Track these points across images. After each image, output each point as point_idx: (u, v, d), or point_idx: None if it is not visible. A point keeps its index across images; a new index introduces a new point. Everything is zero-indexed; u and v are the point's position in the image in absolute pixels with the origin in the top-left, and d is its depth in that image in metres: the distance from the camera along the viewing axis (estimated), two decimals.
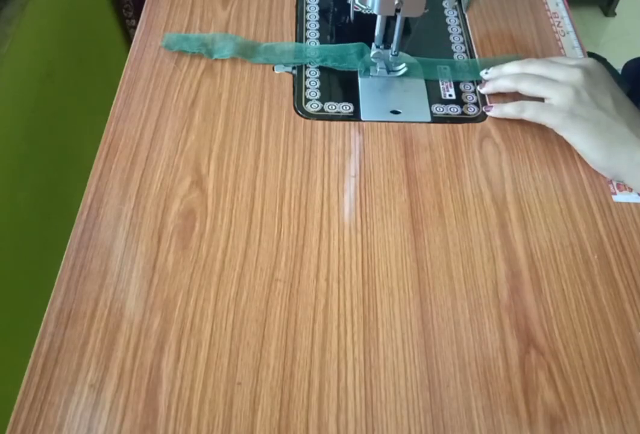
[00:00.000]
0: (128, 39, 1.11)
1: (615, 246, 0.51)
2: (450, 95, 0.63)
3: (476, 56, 0.67)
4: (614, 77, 0.65)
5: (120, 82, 0.62)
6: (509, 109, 0.57)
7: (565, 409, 0.43)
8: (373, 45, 0.62)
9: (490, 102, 0.60)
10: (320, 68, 0.65)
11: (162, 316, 0.46)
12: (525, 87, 0.55)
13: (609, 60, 0.89)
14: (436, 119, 0.60)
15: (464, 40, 0.69)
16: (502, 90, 0.58)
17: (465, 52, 0.68)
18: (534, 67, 0.56)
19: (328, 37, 0.69)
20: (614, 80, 0.54)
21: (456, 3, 0.73)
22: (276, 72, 0.64)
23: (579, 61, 0.55)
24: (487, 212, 0.53)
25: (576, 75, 0.53)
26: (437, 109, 0.61)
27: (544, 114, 0.53)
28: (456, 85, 0.64)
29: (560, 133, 0.54)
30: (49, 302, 0.46)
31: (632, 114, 0.53)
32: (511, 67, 0.59)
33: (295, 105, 0.61)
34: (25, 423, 0.41)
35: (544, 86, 0.54)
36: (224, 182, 0.54)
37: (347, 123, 0.60)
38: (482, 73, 0.62)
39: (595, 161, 0.53)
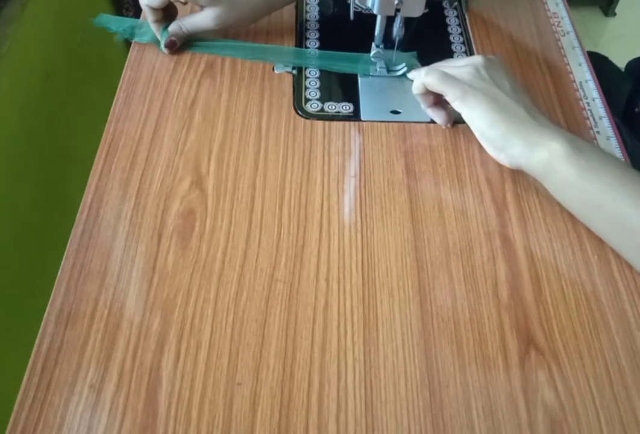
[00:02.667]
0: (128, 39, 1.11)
1: None
2: None
3: None
4: (617, 74, 0.66)
5: (120, 82, 0.62)
6: (414, 73, 0.58)
7: (565, 409, 0.43)
8: (373, 45, 0.62)
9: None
10: (321, 68, 0.65)
11: (162, 316, 0.46)
12: (429, 80, 0.55)
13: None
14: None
15: (464, 40, 0.69)
16: (419, 88, 0.56)
17: (465, 52, 0.68)
18: (437, 64, 0.58)
19: (328, 37, 0.69)
20: (510, 72, 0.56)
21: (456, 3, 0.73)
22: (276, 72, 0.64)
23: (480, 54, 0.57)
24: (487, 212, 0.53)
25: (477, 58, 0.55)
26: None
27: (446, 82, 0.53)
28: None
29: (459, 109, 0.53)
30: (49, 303, 0.46)
31: (528, 101, 0.53)
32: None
33: (295, 105, 0.61)
34: (25, 423, 0.41)
35: (447, 69, 0.55)
36: (224, 182, 0.54)
37: (347, 123, 0.60)
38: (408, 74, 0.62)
39: (493, 140, 0.52)
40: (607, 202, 0.47)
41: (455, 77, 0.53)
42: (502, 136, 0.51)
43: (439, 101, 0.58)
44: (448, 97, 0.53)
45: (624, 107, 0.83)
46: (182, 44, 0.65)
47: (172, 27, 0.63)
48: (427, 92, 0.56)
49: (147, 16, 0.63)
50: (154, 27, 0.64)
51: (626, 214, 0.47)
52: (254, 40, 0.67)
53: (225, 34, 0.66)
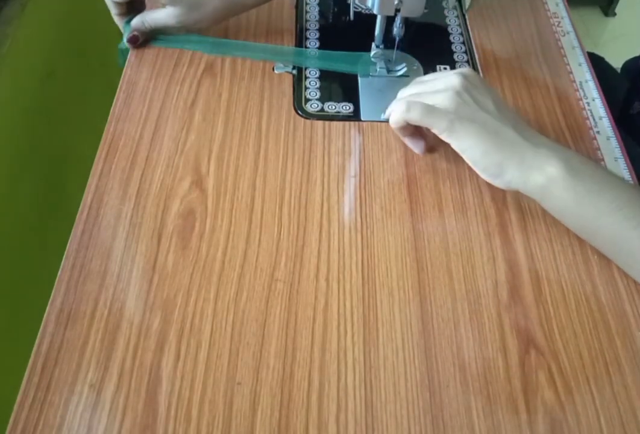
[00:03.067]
0: None
1: None
2: None
3: (476, 56, 0.67)
4: (613, 76, 0.65)
5: (120, 82, 0.62)
6: (394, 111, 0.52)
7: (565, 409, 0.43)
8: (373, 45, 0.62)
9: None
10: (321, 68, 0.65)
11: (162, 316, 0.46)
12: (412, 115, 0.51)
13: (608, 60, 0.90)
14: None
15: (464, 40, 0.69)
16: (400, 123, 0.52)
17: (465, 52, 0.68)
18: (410, 89, 0.54)
19: (328, 37, 0.69)
20: (489, 87, 0.52)
21: (456, 3, 0.73)
22: (276, 72, 0.64)
23: (456, 70, 0.53)
24: (487, 212, 0.53)
25: (454, 80, 0.50)
26: None
27: (431, 116, 0.50)
28: None
29: (448, 140, 0.50)
30: (49, 302, 0.46)
31: (514, 117, 0.51)
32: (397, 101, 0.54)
33: (295, 105, 0.61)
34: (25, 423, 0.41)
35: (426, 97, 0.51)
36: (224, 182, 0.54)
37: (347, 123, 0.60)
38: (382, 116, 0.58)
39: (488, 168, 0.49)
40: (604, 226, 0.47)
41: (437, 107, 0.50)
42: (496, 163, 0.48)
43: (416, 131, 0.55)
44: (435, 131, 0.50)
45: (620, 108, 0.83)
46: (147, 38, 0.65)
47: (135, 21, 0.63)
48: (407, 125, 0.53)
49: (110, 9, 0.63)
50: (117, 21, 0.64)
51: (625, 237, 0.46)
52: (255, 40, 0.67)
53: (189, 30, 0.65)
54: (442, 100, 0.50)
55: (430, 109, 0.50)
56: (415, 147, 0.56)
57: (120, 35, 0.65)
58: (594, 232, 0.48)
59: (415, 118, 0.50)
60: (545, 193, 0.48)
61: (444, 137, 0.50)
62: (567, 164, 0.46)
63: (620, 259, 0.49)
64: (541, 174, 0.47)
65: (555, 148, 0.48)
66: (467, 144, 0.49)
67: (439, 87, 0.51)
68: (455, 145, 0.50)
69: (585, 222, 0.48)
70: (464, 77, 0.51)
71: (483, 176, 0.50)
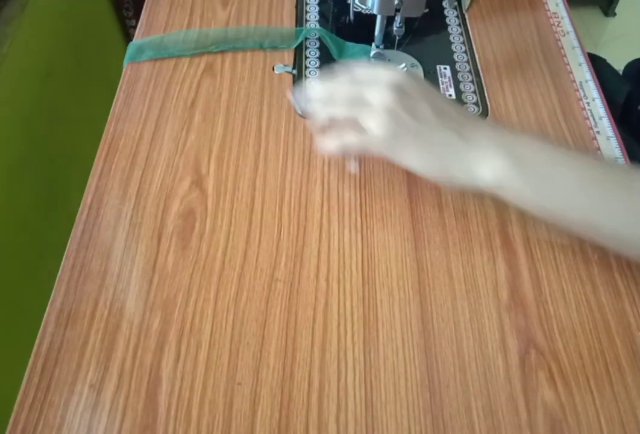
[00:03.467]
0: (128, 39, 1.11)
1: None
2: (450, 95, 0.63)
3: (476, 56, 0.67)
4: (614, 77, 0.65)
5: (120, 82, 0.62)
6: (331, 146, 0.51)
7: (565, 409, 0.43)
8: (373, 45, 0.62)
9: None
10: (321, 68, 0.65)
11: (162, 316, 0.46)
12: (339, 114, 0.49)
13: (608, 60, 0.89)
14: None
15: (464, 40, 0.69)
16: (338, 153, 0.52)
17: (465, 52, 0.68)
18: (343, 90, 0.49)
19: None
20: (430, 87, 0.49)
21: (456, 3, 0.73)
22: (276, 72, 0.64)
23: (387, 76, 0.47)
24: (487, 212, 0.53)
25: (388, 96, 0.46)
26: None
27: (369, 147, 0.48)
28: (456, 85, 0.64)
29: (390, 158, 0.49)
30: (49, 303, 0.46)
31: (455, 116, 0.48)
32: (319, 91, 0.51)
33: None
34: (25, 423, 0.41)
35: (357, 113, 0.47)
36: (224, 182, 0.54)
37: None
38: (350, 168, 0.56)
39: (437, 177, 0.48)
40: (571, 210, 0.46)
41: (372, 138, 0.47)
42: (441, 169, 0.47)
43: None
44: (374, 153, 0.50)
45: (620, 110, 0.83)
46: None
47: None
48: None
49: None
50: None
51: (594, 216, 0.45)
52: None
53: None
54: (376, 123, 0.46)
55: (366, 143, 0.48)
56: (353, 168, 0.56)
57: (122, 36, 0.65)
58: (560, 219, 0.47)
59: (351, 148, 0.50)
60: (500, 187, 0.46)
61: (385, 156, 0.49)
62: (512, 154, 0.45)
63: (600, 238, 0.48)
64: (489, 169, 0.46)
65: (496, 139, 0.46)
66: (408, 160, 0.48)
67: (371, 100, 0.47)
68: (397, 161, 0.49)
69: (550, 211, 0.47)
70: (399, 89, 0.47)
71: (437, 182, 0.50)
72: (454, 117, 0.48)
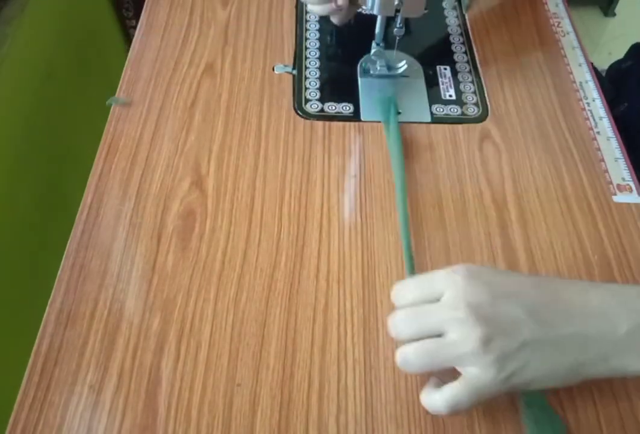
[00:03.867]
0: (128, 39, 1.11)
1: (615, 246, 0.51)
2: (450, 95, 0.63)
3: (476, 56, 0.67)
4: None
5: (120, 82, 0.62)
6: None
7: (565, 409, 0.43)
8: (373, 43, 0.62)
9: None
10: (320, 68, 0.65)
11: (162, 317, 0.46)
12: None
13: (609, 60, 0.90)
14: (436, 120, 0.60)
15: (464, 41, 0.69)
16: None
17: (465, 52, 0.68)
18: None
19: (328, 37, 0.69)
20: (500, 276, 0.40)
21: (456, 3, 0.73)
22: (276, 72, 0.64)
23: (449, 287, 0.38)
24: (487, 212, 0.53)
25: (461, 314, 0.36)
26: (437, 109, 0.61)
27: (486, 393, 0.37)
28: (456, 85, 0.64)
29: (514, 389, 0.38)
30: (49, 303, 0.46)
31: (549, 297, 0.38)
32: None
33: (295, 106, 0.61)
34: (25, 423, 0.41)
35: (452, 361, 0.37)
36: (224, 183, 0.54)
37: (347, 123, 0.60)
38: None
39: (569, 383, 0.39)
40: None
41: (478, 379, 0.36)
42: (583, 377, 0.38)
43: None
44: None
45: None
46: None
47: None
48: None
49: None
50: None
51: None
52: (254, 40, 0.67)
53: None
54: (471, 362, 0.36)
55: (475, 391, 0.37)
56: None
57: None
58: None
59: (456, 412, 0.39)
60: None
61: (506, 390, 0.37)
62: None
63: None
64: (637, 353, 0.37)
65: (621, 303, 0.38)
66: (537, 385, 0.38)
67: (449, 333, 0.37)
68: (521, 388, 0.38)
69: None
70: (467, 302, 0.36)
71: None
72: (559, 305, 0.38)
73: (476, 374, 0.36)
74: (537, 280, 0.40)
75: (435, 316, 0.37)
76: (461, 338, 0.36)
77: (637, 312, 0.37)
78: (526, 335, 0.36)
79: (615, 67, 0.89)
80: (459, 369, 0.37)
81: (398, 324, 0.39)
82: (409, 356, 0.38)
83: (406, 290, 0.40)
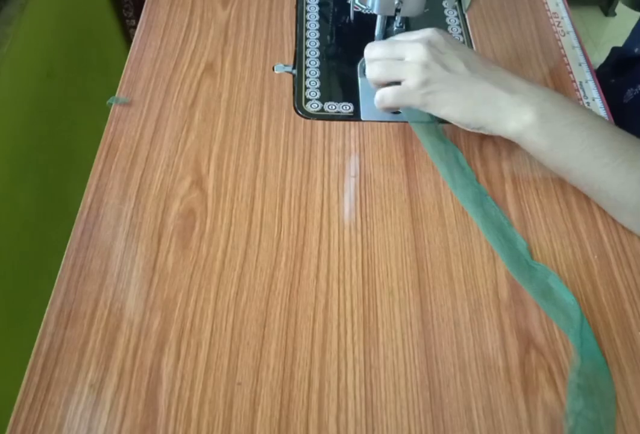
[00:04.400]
0: (128, 39, 1.11)
1: (615, 246, 0.51)
2: None
3: None
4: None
5: (120, 82, 0.62)
6: (376, 103, 0.56)
7: (565, 410, 0.43)
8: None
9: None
10: (320, 68, 0.65)
11: (162, 316, 0.46)
12: (376, 77, 0.54)
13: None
14: (436, 119, 0.60)
15: (464, 41, 0.69)
16: (382, 109, 0.56)
17: None
18: (377, 51, 0.54)
19: (328, 37, 0.69)
20: (461, 43, 0.54)
21: (456, 3, 0.73)
22: (276, 72, 0.64)
23: (419, 34, 0.53)
24: None
25: (420, 50, 0.51)
26: None
27: (404, 97, 0.53)
28: None
29: (427, 111, 0.53)
30: (49, 302, 0.46)
31: (486, 69, 0.52)
32: (365, 55, 0.56)
33: (295, 105, 0.61)
34: (25, 423, 0.41)
35: (394, 70, 0.53)
36: (224, 182, 0.54)
37: (347, 123, 0.60)
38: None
39: (469, 124, 0.52)
40: (576, 166, 0.50)
41: (407, 87, 0.52)
42: (475, 119, 0.51)
43: None
44: (414, 107, 0.53)
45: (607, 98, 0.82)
46: None
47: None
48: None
49: None
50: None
51: (596, 176, 0.49)
52: (254, 40, 0.67)
53: None
54: (410, 75, 0.51)
55: (401, 92, 0.53)
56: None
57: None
58: (567, 172, 0.51)
59: (392, 104, 0.54)
60: (521, 138, 0.50)
61: (422, 109, 0.53)
62: (540, 110, 0.49)
63: (595, 197, 0.52)
64: (516, 122, 0.49)
65: (529, 93, 0.50)
66: (444, 111, 0.52)
67: (405, 56, 0.52)
68: (434, 113, 0.53)
69: (559, 164, 0.51)
70: (430, 44, 0.52)
71: (467, 129, 0.53)
72: (485, 68, 0.52)
73: (405, 84, 0.52)
74: (483, 58, 0.54)
75: (402, 45, 0.52)
76: (411, 58, 0.52)
77: (529, 91, 0.50)
78: (453, 72, 0.51)
79: (619, 52, 0.88)
80: (399, 78, 0.52)
81: (375, 47, 0.54)
82: (374, 67, 0.53)
83: (379, 46, 0.54)
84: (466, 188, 0.54)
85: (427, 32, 0.53)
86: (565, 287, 0.48)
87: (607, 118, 0.61)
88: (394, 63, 0.53)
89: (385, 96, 0.54)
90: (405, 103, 0.53)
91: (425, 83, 0.51)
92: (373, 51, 0.55)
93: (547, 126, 0.49)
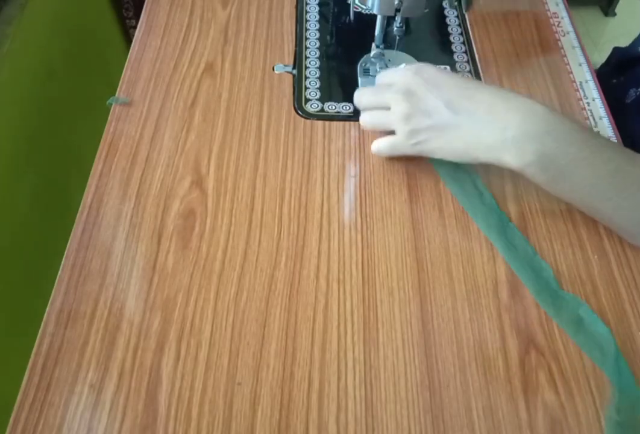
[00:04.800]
0: (128, 39, 1.11)
1: (615, 246, 0.51)
2: None
3: (476, 56, 0.67)
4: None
5: (120, 82, 0.62)
6: (373, 153, 0.57)
7: (565, 410, 0.43)
8: (373, 44, 0.62)
9: None
10: (320, 68, 0.65)
11: (162, 316, 0.46)
12: (370, 127, 0.56)
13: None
14: None
15: (464, 40, 0.69)
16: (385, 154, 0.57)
17: (465, 52, 0.68)
18: (365, 99, 0.56)
19: (328, 37, 0.69)
20: (440, 76, 0.51)
21: (456, 3, 0.73)
22: (276, 72, 0.64)
23: (400, 80, 0.52)
24: None
25: (400, 104, 0.51)
26: None
27: (397, 149, 0.54)
28: None
29: (425, 155, 0.53)
30: (49, 302, 0.46)
31: (473, 102, 0.49)
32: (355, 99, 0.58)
33: (295, 106, 0.61)
34: (25, 423, 0.41)
35: (383, 121, 0.54)
36: (224, 182, 0.54)
37: (347, 123, 0.60)
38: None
39: (469, 162, 0.51)
40: (578, 200, 0.50)
41: (397, 139, 0.53)
42: (473, 159, 0.50)
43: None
44: (408, 155, 0.54)
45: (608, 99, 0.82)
46: None
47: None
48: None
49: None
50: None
51: (599, 208, 0.49)
52: (254, 40, 0.67)
53: None
54: (397, 128, 0.52)
55: (393, 145, 0.54)
56: None
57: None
58: (570, 201, 0.51)
59: (388, 156, 0.56)
60: (523, 172, 0.48)
61: (420, 155, 0.53)
62: (540, 148, 0.46)
63: (602, 223, 0.52)
64: (515, 159, 0.47)
65: (524, 126, 0.47)
66: (439, 156, 0.52)
67: (391, 108, 0.52)
68: (430, 157, 0.53)
69: (561, 195, 0.50)
70: (409, 93, 0.51)
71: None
72: (467, 102, 0.50)
73: (395, 136, 0.53)
74: (466, 82, 0.52)
75: (385, 96, 0.53)
76: (393, 111, 0.52)
77: (524, 123, 0.47)
78: (436, 119, 0.50)
79: (621, 52, 0.88)
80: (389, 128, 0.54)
81: (363, 97, 0.56)
82: (366, 117, 0.56)
83: (366, 95, 0.56)
84: (487, 216, 0.53)
85: (407, 77, 0.52)
86: (598, 318, 0.46)
87: (608, 118, 0.61)
88: (382, 115, 0.54)
89: (381, 149, 0.55)
90: (400, 154, 0.54)
91: (411, 134, 0.51)
92: (362, 101, 0.56)
93: (548, 163, 0.47)
